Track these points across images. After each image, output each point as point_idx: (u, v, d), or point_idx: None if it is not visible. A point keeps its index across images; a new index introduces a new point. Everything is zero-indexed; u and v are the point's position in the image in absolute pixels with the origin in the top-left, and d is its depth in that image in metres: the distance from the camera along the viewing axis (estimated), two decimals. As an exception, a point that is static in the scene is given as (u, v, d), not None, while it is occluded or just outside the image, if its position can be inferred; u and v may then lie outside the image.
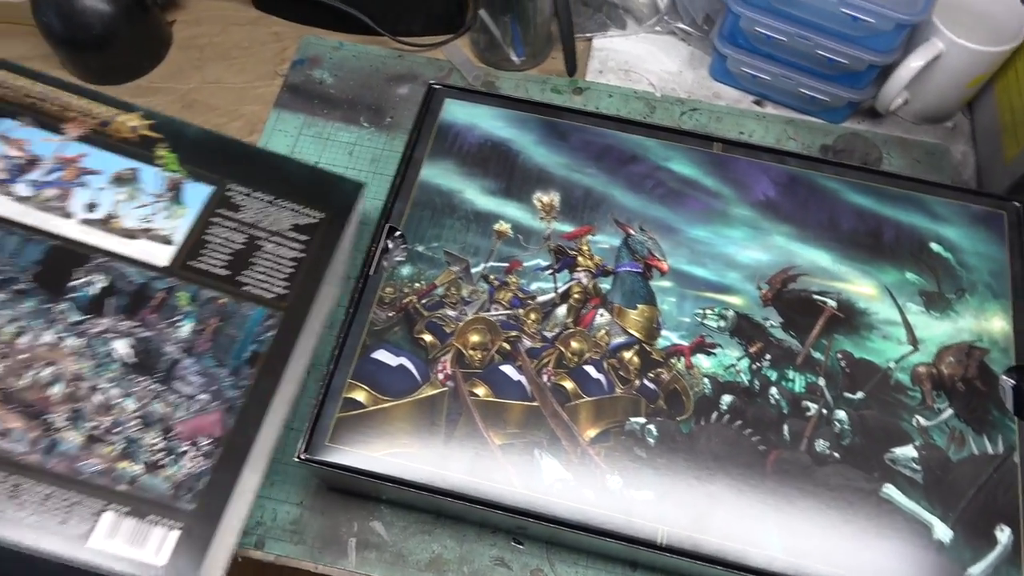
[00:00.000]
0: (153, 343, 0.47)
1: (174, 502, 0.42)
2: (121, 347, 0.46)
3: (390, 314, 0.53)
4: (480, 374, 0.50)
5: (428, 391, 0.50)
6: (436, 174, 0.57)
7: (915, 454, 0.48)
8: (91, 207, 0.51)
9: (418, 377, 0.50)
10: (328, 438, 0.48)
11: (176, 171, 0.53)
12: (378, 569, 0.53)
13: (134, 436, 0.44)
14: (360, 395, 0.50)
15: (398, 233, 0.55)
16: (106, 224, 0.50)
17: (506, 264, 0.54)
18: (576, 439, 0.48)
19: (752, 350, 0.51)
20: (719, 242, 0.55)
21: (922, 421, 0.49)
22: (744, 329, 0.52)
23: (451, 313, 0.52)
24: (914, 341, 0.52)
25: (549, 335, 0.52)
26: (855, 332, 0.52)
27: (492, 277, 0.54)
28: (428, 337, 0.52)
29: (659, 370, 0.51)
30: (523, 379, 0.50)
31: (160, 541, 0.41)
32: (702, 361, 0.51)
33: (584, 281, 0.53)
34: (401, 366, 0.51)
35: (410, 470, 0.47)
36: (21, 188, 0.50)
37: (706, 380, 0.50)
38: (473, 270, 0.54)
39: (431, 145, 0.58)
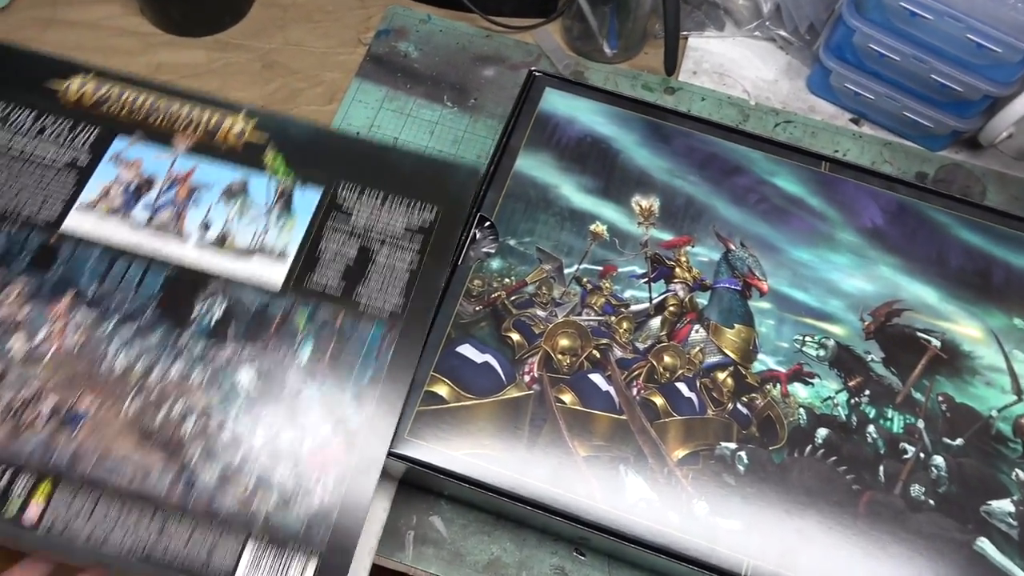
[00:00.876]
0: (276, 372, 0.45)
1: (309, 534, 0.42)
2: (245, 377, 0.45)
3: (477, 308, 0.51)
4: (568, 380, 0.48)
5: (513, 392, 0.48)
6: (532, 165, 0.55)
7: (1012, 509, 0.47)
8: (205, 227, 0.49)
9: (503, 377, 0.48)
10: (408, 431, 0.46)
11: (285, 176, 0.51)
12: (435, 566, 0.52)
13: (264, 471, 0.43)
14: (442, 389, 0.48)
15: (488, 223, 0.53)
16: (221, 245, 0.49)
17: (600, 267, 0.52)
18: (664, 459, 0.46)
19: (851, 384, 0.49)
20: (823, 267, 0.52)
21: (1022, 475, 0.47)
22: (844, 361, 0.50)
23: (541, 313, 0.50)
24: (1019, 391, 0.50)
25: (641, 346, 0.50)
26: (958, 375, 0.50)
27: (585, 280, 0.52)
28: (516, 336, 0.50)
29: (753, 395, 0.49)
30: (612, 390, 0.48)
31: (299, 573, 0.41)
32: (799, 390, 0.49)
33: (680, 294, 0.51)
34: (486, 363, 0.49)
35: (491, 473, 0.46)
36: (138, 213, 0.49)
37: (802, 411, 0.48)
38: (566, 270, 0.52)
39: (528, 134, 0.56)
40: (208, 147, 0.52)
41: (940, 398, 0.49)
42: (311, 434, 0.44)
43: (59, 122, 0.51)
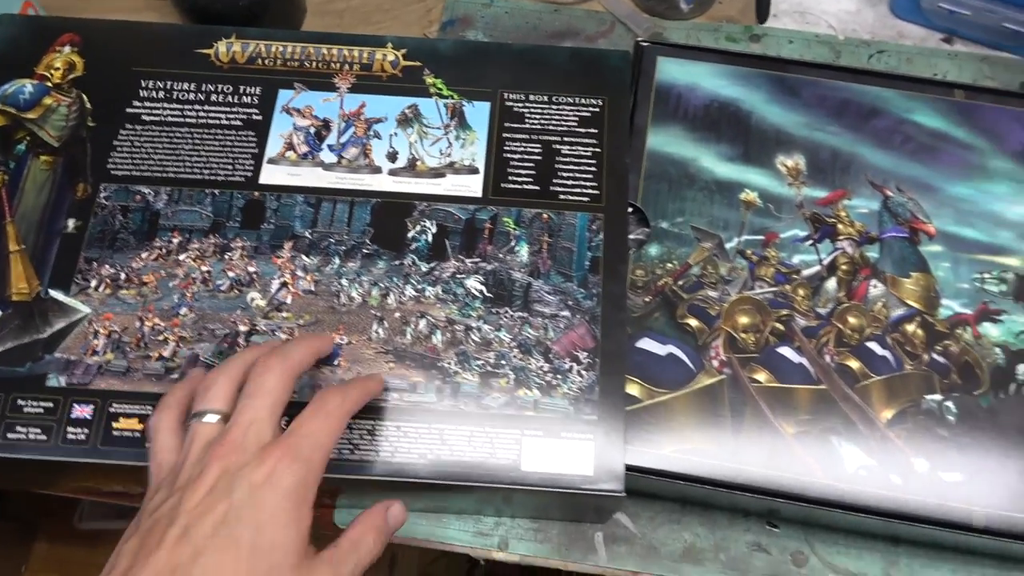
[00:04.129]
0: (501, 273, 0.47)
1: (578, 415, 0.44)
2: (475, 284, 0.47)
3: (647, 299, 0.49)
4: (757, 358, 0.47)
5: (705, 380, 0.46)
6: (664, 142, 0.53)
7: None
8: (392, 156, 0.51)
9: (691, 365, 0.47)
10: (611, 438, 0.45)
11: (450, 96, 0.52)
12: (630, 562, 0.51)
13: (519, 364, 0.45)
14: (633, 389, 0.46)
15: (635, 209, 0.51)
16: (413, 169, 0.50)
17: (761, 237, 0.50)
18: (873, 422, 0.45)
19: (1040, 314, 0.48)
20: (983, 199, 0.51)
21: None
22: (1028, 292, 0.49)
23: (712, 294, 0.49)
24: None
25: (823, 311, 0.48)
26: None
27: (749, 252, 0.50)
28: (693, 322, 0.48)
29: (946, 342, 0.47)
30: (805, 361, 0.47)
31: (580, 453, 0.43)
32: (990, 330, 0.48)
33: (849, 250, 0.50)
34: (671, 354, 0.47)
35: (704, 467, 0.44)
36: (326, 155, 0.51)
37: (997, 350, 0.47)
38: (727, 245, 0.50)
39: (652, 110, 0.54)
40: (368, 82, 0.53)
41: None
42: (551, 324, 0.46)
43: (220, 87, 0.52)
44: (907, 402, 0.46)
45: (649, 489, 0.50)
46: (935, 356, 0.47)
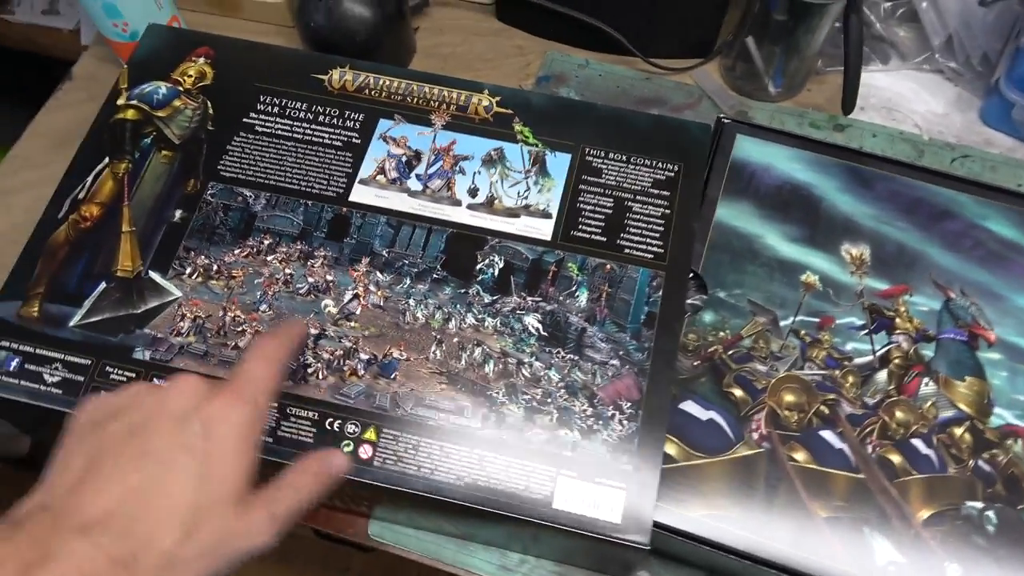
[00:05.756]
0: (558, 315, 0.49)
1: (614, 463, 0.45)
2: (532, 322, 0.49)
3: (695, 363, 0.50)
4: (798, 437, 0.47)
5: (743, 451, 0.47)
6: (733, 215, 0.55)
7: None
8: (473, 192, 0.54)
9: (731, 434, 0.48)
10: (642, 492, 0.46)
11: (535, 144, 0.55)
12: (646, 622, 0.51)
13: (564, 405, 0.46)
14: (671, 448, 0.47)
15: (694, 275, 0.52)
16: (490, 207, 0.53)
17: (817, 320, 0.51)
18: (908, 520, 0.45)
19: (1097, 438, 0.47)
20: (1049, 314, 0.51)
21: None
22: (1086, 414, 0.48)
23: (760, 368, 0.50)
24: None
25: (870, 401, 0.49)
26: None
27: (803, 332, 0.51)
28: (738, 392, 0.49)
29: (994, 451, 0.47)
30: (846, 447, 0.47)
31: (611, 501, 0.44)
32: (1042, 446, 0.47)
33: (904, 345, 0.50)
34: (711, 420, 0.48)
35: (730, 535, 0.45)
36: (413, 183, 0.54)
37: (1047, 467, 0.46)
38: (782, 323, 0.51)
39: (725, 184, 0.56)
40: (462, 122, 0.57)
41: None
42: (600, 371, 0.47)
43: (328, 109, 0.57)
44: (946, 505, 0.46)
45: (676, 552, 0.51)
46: (981, 463, 0.47)
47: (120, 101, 0.56)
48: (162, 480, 0.32)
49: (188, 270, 0.50)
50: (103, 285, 0.49)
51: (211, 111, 0.56)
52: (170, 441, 0.33)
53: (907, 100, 0.71)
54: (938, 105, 0.70)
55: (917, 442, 0.47)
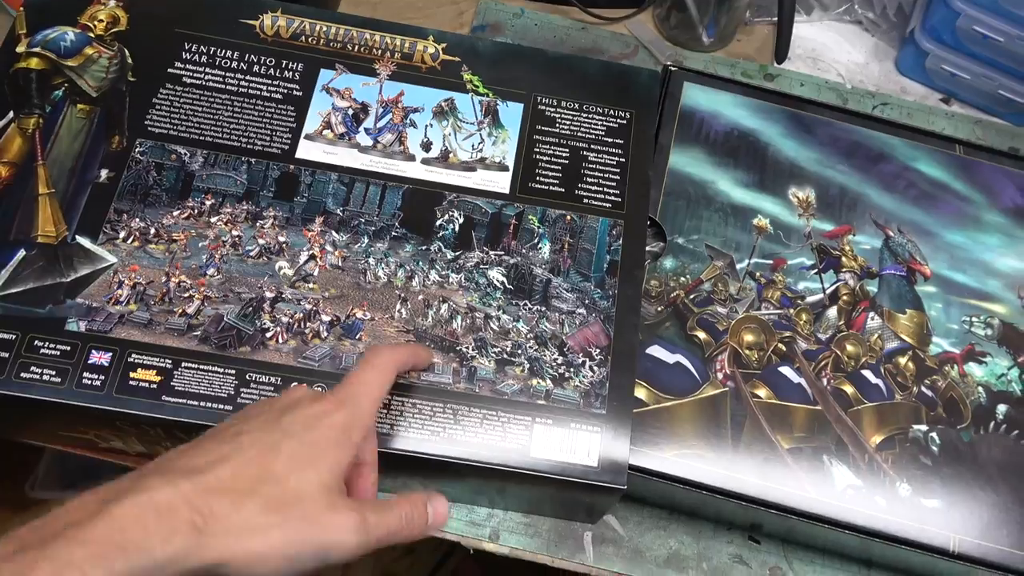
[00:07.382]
0: (522, 267, 0.49)
1: (587, 409, 0.45)
2: (497, 275, 0.48)
3: (659, 308, 0.51)
4: (759, 375, 0.49)
5: (709, 391, 0.48)
6: (686, 162, 0.55)
7: None
8: (427, 146, 0.52)
9: (697, 376, 0.49)
10: (616, 438, 0.46)
11: (485, 93, 0.54)
12: (617, 564, 0.52)
13: (534, 355, 0.46)
14: (641, 392, 0.48)
15: (649, 222, 0.53)
16: (445, 161, 0.51)
17: (770, 261, 0.53)
18: (863, 445, 0.48)
19: (1021, 360, 0.51)
20: (976, 248, 0.54)
21: None
22: (1011, 338, 0.52)
23: (721, 310, 0.51)
24: None
25: (823, 337, 0.51)
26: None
27: (758, 274, 0.52)
28: (702, 334, 0.50)
29: (935, 377, 0.50)
30: (803, 382, 0.49)
31: (587, 445, 0.44)
32: (974, 369, 0.51)
33: (851, 282, 0.52)
34: (678, 363, 0.49)
35: (701, 472, 0.46)
36: (362, 138, 0.52)
37: (980, 389, 0.50)
38: (738, 265, 0.52)
39: (676, 131, 0.56)
40: (408, 71, 0.54)
41: (1099, 367, 0.52)
42: (568, 320, 0.47)
43: (263, 59, 0.53)
44: (895, 429, 0.48)
45: (639, 494, 0.52)
46: (924, 389, 0.50)
47: (20, 48, 0.50)
48: (253, 456, 0.33)
49: (122, 234, 0.46)
50: (22, 252, 0.45)
51: (130, 60, 0.51)
52: (271, 427, 0.34)
53: (830, 50, 0.73)
54: (859, 55, 0.74)
55: (867, 373, 0.50)
